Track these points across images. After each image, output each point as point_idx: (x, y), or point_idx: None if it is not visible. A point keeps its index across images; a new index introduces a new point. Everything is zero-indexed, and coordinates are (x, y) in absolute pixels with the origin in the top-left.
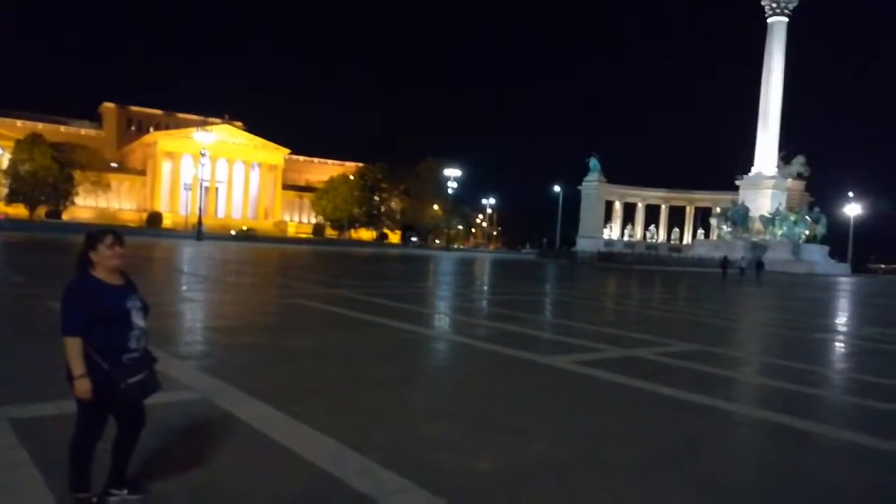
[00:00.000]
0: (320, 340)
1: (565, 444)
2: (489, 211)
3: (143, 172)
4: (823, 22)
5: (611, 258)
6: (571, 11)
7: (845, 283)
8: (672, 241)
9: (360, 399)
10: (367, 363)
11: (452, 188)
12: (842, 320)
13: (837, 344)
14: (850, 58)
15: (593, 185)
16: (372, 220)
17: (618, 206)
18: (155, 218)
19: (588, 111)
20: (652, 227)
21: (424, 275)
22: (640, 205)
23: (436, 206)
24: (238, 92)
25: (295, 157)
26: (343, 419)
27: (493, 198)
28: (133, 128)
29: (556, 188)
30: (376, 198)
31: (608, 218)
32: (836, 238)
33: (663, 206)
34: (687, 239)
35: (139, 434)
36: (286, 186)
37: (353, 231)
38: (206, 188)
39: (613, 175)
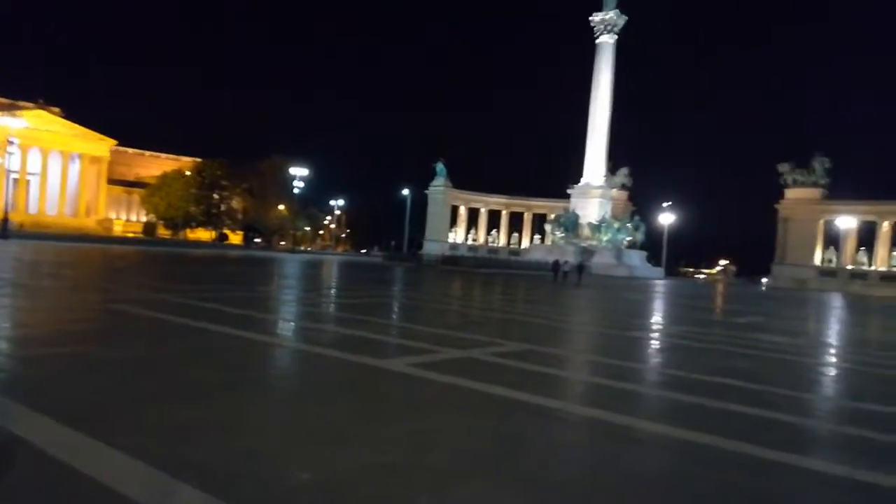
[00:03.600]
0: (140, 350)
1: (393, 449)
2: (337, 212)
3: None
4: (650, 42)
5: (455, 261)
6: (430, 29)
7: (660, 286)
8: (512, 246)
9: (178, 414)
10: (191, 373)
11: (299, 188)
12: (656, 319)
13: (652, 341)
14: (673, 76)
15: (440, 191)
16: (211, 220)
17: (463, 210)
18: None
19: (434, 117)
20: (494, 232)
21: (266, 278)
22: (483, 210)
23: (281, 207)
24: (59, 76)
25: (123, 149)
26: (157, 438)
27: (342, 199)
28: None
29: (405, 192)
30: (216, 196)
31: (454, 222)
32: (653, 244)
33: (504, 212)
34: (525, 243)
35: None
36: (113, 181)
37: (188, 231)
38: (16, 180)
39: (459, 181)
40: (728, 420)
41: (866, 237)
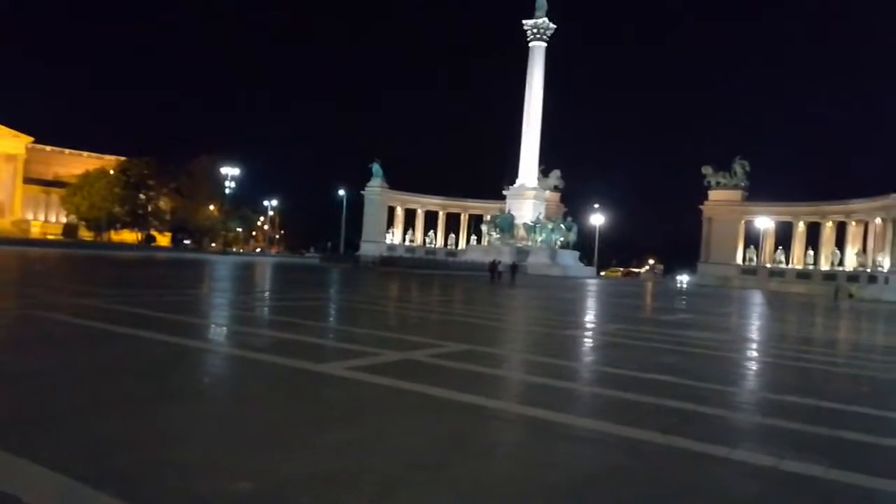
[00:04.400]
0: (62, 358)
1: (333, 455)
2: (271, 213)
3: None
4: (580, 44)
5: (392, 262)
6: (371, 29)
7: (592, 285)
8: (449, 247)
9: (104, 426)
10: (117, 382)
11: (230, 188)
12: (590, 318)
13: (587, 339)
14: (601, 79)
15: (376, 191)
16: (136, 221)
17: (399, 211)
18: None
19: (370, 118)
20: (431, 233)
21: (197, 281)
22: (420, 211)
23: (212, 207)
24: None
25: (41, 146)
26: (80, 450)
27: (276, 199)
28: None
29: (341, 192)
30: (142, 196)
31: (390, 223)
32: (585, 244)
33: (441, 213)
34: (462, 244)
35: None
36: (30, 180)
37: (113, 232)
38: None
39: (396, 181)
40: (661, 415)
41: (783, 237)
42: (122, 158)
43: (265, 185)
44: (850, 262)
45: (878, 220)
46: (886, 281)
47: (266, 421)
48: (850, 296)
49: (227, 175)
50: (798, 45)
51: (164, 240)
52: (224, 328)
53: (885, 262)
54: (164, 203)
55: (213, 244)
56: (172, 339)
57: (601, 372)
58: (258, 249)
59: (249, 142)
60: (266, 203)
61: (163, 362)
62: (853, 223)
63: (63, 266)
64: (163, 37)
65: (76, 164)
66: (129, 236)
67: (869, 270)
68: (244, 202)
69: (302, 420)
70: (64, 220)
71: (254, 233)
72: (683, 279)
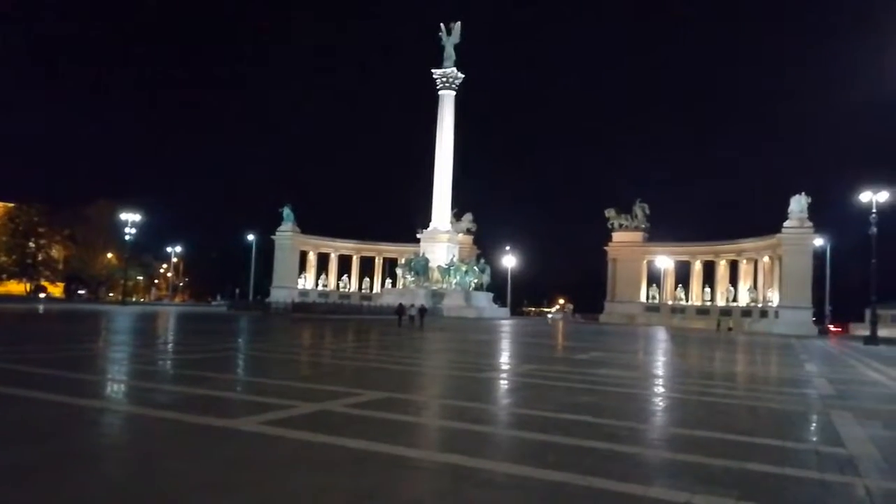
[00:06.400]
0: None
1: None
2: (175, 260)
3: None
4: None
5: (305, 308)
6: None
7: (507, 325)
8: (364, 291)
9: None
10: (2, 451)
11: (130, 234)
12: (505, 359)
13: (503, 382)
14: (511, 126)
15: (287, 236)
16: (25, 271)
17: (312, 256)
18: None
19: (279, 161)
20: (345, 277)
21: (93, 334)
22: (333, 255)
23: (110, 255)
24: None
25: None
26: None
27: (181, 245)
28: None
29: (250, 237)
30: (31, 244)
31: (302, 268)
32: (498, 286)
33: (355, 257)
34: (377, 288)
35: None
36: None
37: None
38: None
39: (308, 226)
40: (578, 456)
41: (683, 275)
42: (9, 205)
43: (169, 231)
44: (743, 298)
45: (766, 259)
46: (776, 315)
47: (168, 486)
48: (729, 329)
49: (127, 221)
50: (691, 99)
51: (56, 290)
52: (124, 385)
53: (774, 298)
54: (56, 251)
55: (111, 294)
56: (64, 398)
57: (520, 414)
58: (161, 298)
59: (152, 185)
60: (169, 249)
61: (52, 425)
62: (744, 261)
63: None
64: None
65: None
66: (16, 287)
67: (760, 305)
68: (146, 249)
69: (209, 483)
70: None
71: (156, 281)
72: (552, 316)
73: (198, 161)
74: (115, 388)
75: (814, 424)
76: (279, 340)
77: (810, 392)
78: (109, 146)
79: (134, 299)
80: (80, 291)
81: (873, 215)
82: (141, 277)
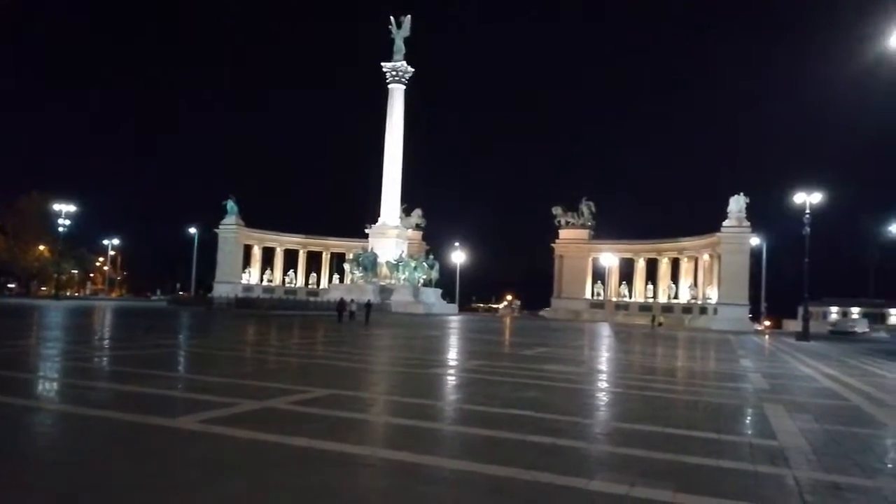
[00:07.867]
0: None
1: None
2: (112, 253)
3: None
4: (443, 87)
5: (249, 304)
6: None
7: (455, 321)
8: (310, 286)
9: None
10: None
11: (64, 226)
12: (452, 355)
13: (450, 377)
14: (461, 122)
15: (231, 229)
16: None
17: (257, 250)
18: None
19: (223, 152)
20: (291, 272)
21: (23, 329)
22: (279, 249)
23: (42, 248)
24: None
25: None
26: None
27: (118, 238)
28: None
29: (192, 230)
30: None
31: (247, 262)
32: (446, 282)
33: (301, 252)
34: (324, 283)
35: None
36: None
37: None
38: None
39: (253, 219)
40: (525, 451)
41: (627, 272)
42: None
43: (106, 223)
44: (684, 295)
45: (706, 257)
46: (715, 311)
47: (106, 488)
48: (660, 324)
49: (60, 212)
50: (636, 99)
51: None
52: (57, 382)
53: (713, 295)
54: None
55: (44, 288)
56: None
57: (466, 410)
58: (97, 293)
59: (88, 176)
60: (106, 242)
61: None
62: (685, 259)
63: None
64: None
65: None
66: None
67: (700, 302)
68: (81, 242)
69: (149, 485)
70: None
71: (91, 275)
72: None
73: (138, 152)
74: (48, 386)
75: (748, 418)
76: (221, 336)
77: (746, 386)
78: (43, 136)
79: (68, 294)
80: (9, 286)
81: (806, 216)
82: (76, 271)
